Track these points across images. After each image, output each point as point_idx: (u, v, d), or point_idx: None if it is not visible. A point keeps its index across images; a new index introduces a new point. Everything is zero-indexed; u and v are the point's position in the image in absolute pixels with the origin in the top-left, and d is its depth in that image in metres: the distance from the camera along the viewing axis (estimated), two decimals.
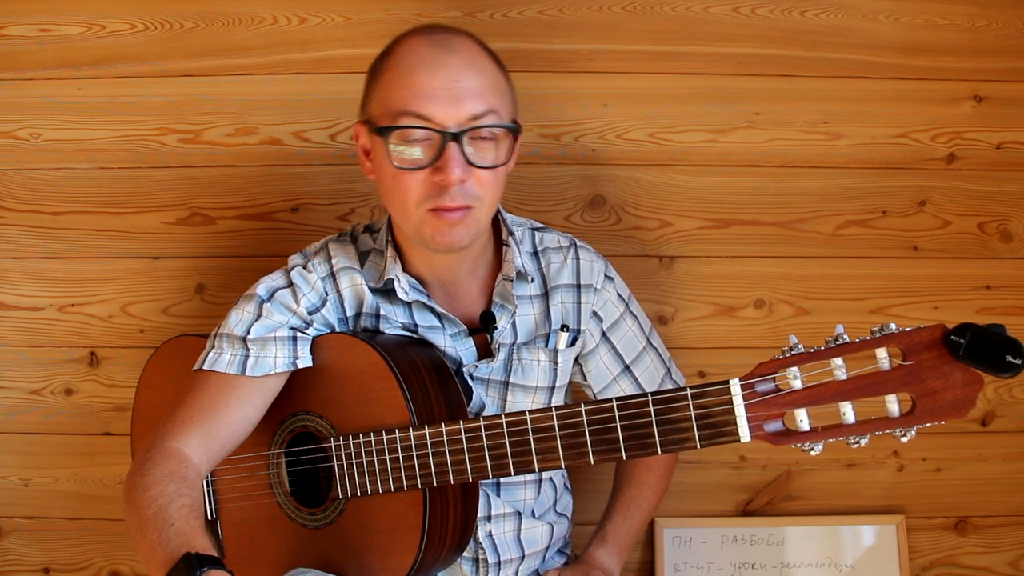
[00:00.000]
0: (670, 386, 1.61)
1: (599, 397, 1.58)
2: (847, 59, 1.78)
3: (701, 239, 1.81)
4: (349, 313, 1.46)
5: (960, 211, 1.80)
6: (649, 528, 1.81)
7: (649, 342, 1.59)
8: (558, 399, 1.53)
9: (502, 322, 1.47)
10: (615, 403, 1.24)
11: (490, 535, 1.48)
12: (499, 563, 1.48)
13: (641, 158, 1.80)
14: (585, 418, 1.26)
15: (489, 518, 1.48)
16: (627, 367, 1.57)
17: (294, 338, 1.40)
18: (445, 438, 1.32)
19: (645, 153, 1.80)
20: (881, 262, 1.81)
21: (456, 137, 1.29)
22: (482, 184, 1.33)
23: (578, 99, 1.80)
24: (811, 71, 1.79)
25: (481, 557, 1.48)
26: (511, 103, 1.38)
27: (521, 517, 1.51)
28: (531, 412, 1.28)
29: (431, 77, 1.30)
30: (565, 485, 1.64)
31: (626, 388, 1.57)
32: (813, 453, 1.18)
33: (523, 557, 1.51)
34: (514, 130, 1.35)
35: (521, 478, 1.51)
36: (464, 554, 1.45)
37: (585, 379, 1.58)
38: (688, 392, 1.21)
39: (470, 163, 1.31)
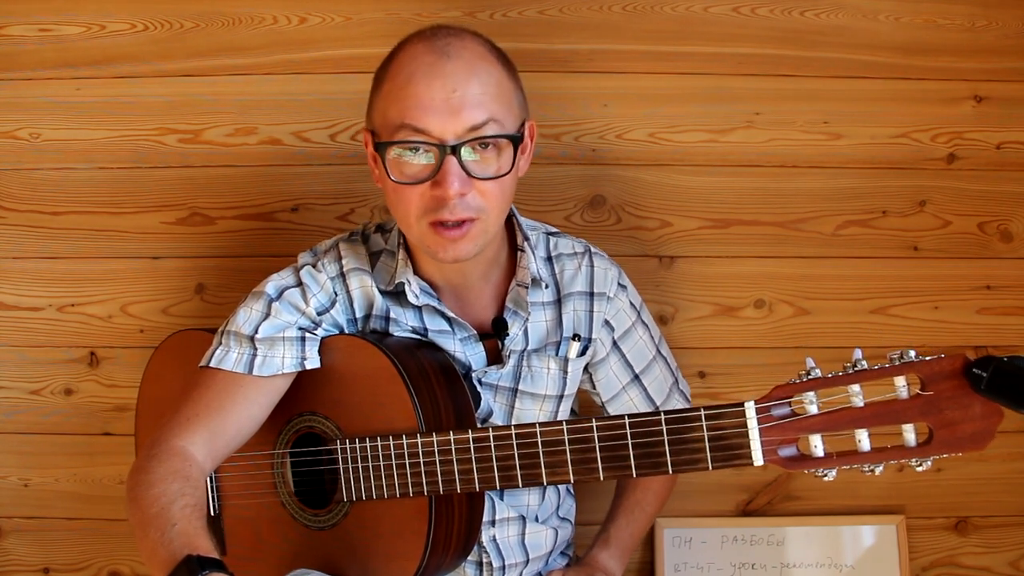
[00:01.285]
0: (677, 396, 1.61)
1: (607, 406, 1.58)
2: (847, 59, 1.78)
3: (701, 239, 1.81)
4: (358, 314, 1.45)
5: (960, 211, 1.80)
6: (649, 528, 1.81)
7: (659, 351, 1.58)
8: (566, 407, 1.52)
9: (514, 328, 1.45)
10: (627, 420, 1.23)
11: (494, 539, 1.47)
12: (503, 567, 1.48)
13: (641, 158, 1.80)
14: (596, 434, 1.25)
15: (493, 522, 1.47)
16: (636, 376, 1.55)
17: (302, 339, 1.39)
18: (453, 447, 1.31)
19: (645, 153, 1.80)
20: (881, 262, 1.81)
21: (454, 150, 1.26)
22: (485, 195, 1.29)
23: (578, 99, 1.79)
24: (811, 71, 1.79)
25: (485, 561, 1.47)
26: (518, 106, 1.34)
27: (525, 521, 1.50)
28: (541, 425, 1.28)
29: (428, 87, 1.26)
30: (568, 490, 1.63)
31: (635, 397, 1.56)
32: (827, 479, 1.16)
33: (527, 561, 1.51)
34: (516, 139, 1.31)
35: None
36: (468, 558, 1.45)
37: (594, 387, 1.57)
38: (702, 413, 1.19)
39: (471, 175, 1.28)
